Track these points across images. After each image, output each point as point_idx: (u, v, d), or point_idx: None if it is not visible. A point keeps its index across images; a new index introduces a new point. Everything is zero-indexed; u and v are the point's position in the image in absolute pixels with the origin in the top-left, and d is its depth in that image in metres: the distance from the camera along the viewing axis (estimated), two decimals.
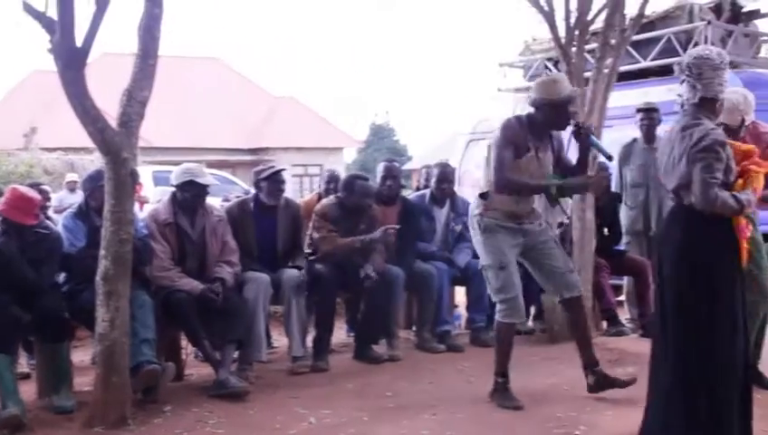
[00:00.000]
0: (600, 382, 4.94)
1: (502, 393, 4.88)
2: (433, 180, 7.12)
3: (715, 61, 3.83)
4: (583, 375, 5.02)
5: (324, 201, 6.44)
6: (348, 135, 36.09)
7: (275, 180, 6.08)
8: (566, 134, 5.18)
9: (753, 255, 4.03)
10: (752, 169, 3.87)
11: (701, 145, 3.69)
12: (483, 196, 4.93)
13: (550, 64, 10.20)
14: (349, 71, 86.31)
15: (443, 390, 5.34)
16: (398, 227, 6.23)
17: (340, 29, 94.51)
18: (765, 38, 10.08)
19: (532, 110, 4.89)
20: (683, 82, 3.87)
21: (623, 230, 7.31)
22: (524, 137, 4.78)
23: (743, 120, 4.86)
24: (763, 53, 10.05)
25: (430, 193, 7.09)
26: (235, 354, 5.51)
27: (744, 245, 3.87)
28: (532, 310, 7.15)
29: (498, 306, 4.92)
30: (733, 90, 4.92)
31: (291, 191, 11.29)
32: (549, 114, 4.79)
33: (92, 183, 5.27)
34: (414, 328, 6.91)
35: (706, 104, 3.84)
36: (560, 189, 4.77)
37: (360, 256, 6.16)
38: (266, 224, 6.06)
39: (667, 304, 3.90)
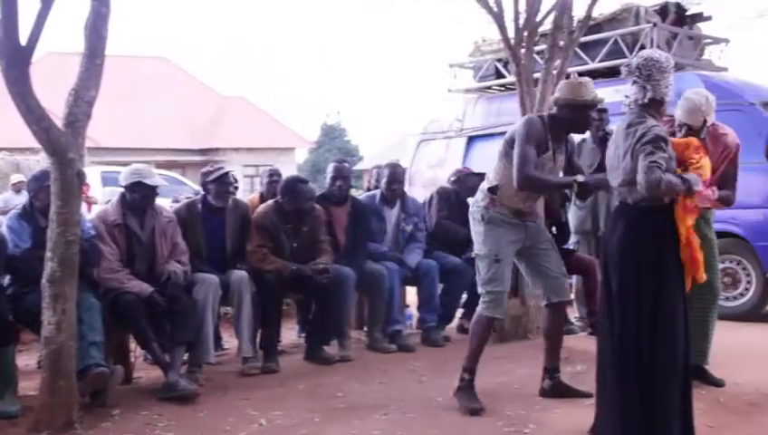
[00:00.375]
0: (556, 389, 4.98)
1: (466, 392, 4.83)
2: (383, 181, 7.13)
3: (663, 63, 3.96)
4: (534, 374, 5.07)
5: (262, 208, 6.29)
6: (299, 135, 35.99)
7: (223, 182, 6.03)
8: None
9: (705, 255, 4.10)
10: (692, 159, 3.97)
11: (644, 139, 3.79)
12: (492, 190, 4.86)
13: (499, 65, 10.29)
14: (300, 71, 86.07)
15: (394, 390, 5.34)
16: (326, 276, 6.09)
17: (291, 29, 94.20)
18: (708, 41, 10.26)
19: (554, 110, 4.88)
20: (634, 83, 3.97)
21: (572, 230, 7.39)
22: (545, 136, 4.75)
23: (704, 121, 4.95)
24: (705, 56, 10.24)
25: (381, 193, 7.10)
26: (185, 356, 5.45)
27: (690, 235, 3.93)
28: None
29: (483, 298, 4.85)
30: (695, 91, 5.04)
31: (242, 192, 11.24)
32: (571, 116, 4.76)
33: (37, 184, 5.17)
34: (365, 328, 6.93)
35: (654, 105, 3.96)
36: (580, 186, 4.69)
37: (311, 255, 6.14)
38: (215, 225, 6.01)
39: (612, 302, 3.96)
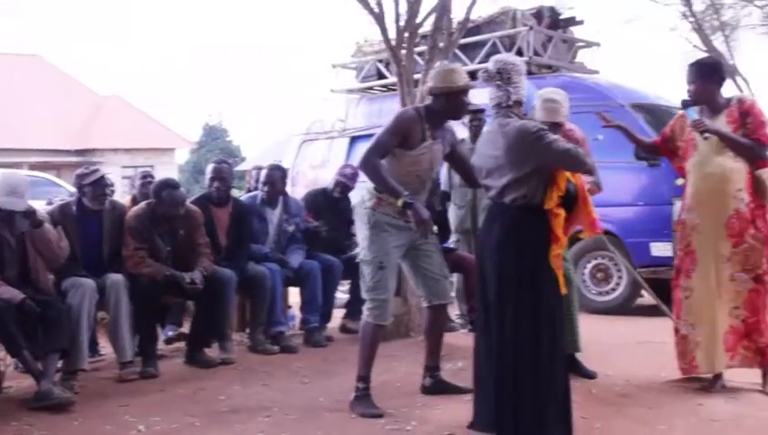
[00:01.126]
0: (437, 387, 5.04)
1: (362, 401, 4.75)
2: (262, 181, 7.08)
3: (519, 66, 4.17)
4: (416, 372, 5.12)
5: (134, 211, 6.10)
6: (179, 135, 35.34)
7: (99, 185, 5.86)
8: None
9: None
10: None
11: (530, 138, 3.93)
12: (376, 188, 4.79)
13: (381, 66, 10.37)
14: (181, 70, 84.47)
15: (277, 391, 5.31)
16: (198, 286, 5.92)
17: (171, 27, 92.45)
18: (581, 44, 10.60)
19: (428, 100, 4.87)
20: (497, 87, 4.10)
21: (452, 229, 7.50)
22: (421, 126, 4.72)
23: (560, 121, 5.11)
24: (578, 58, 10.58)
25: (262, 194, 7.05)
26: (60, 364, 5.27)
27: (565, 241, 4.09)
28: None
29: (368, 304, 4.80)
30: (552, 90, 5.20)
31: (120, 193, 10.96)
32: (446, 103, 4.75)
33: None
34: (247, 330, 6.85)
35: (516, 106, 4.13)
36: (404, 206, 4.62)
37: (190, 258, 6.04)
38: (91, 228, 5.83)
39: (489, 299, 4.06)
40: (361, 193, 4.95)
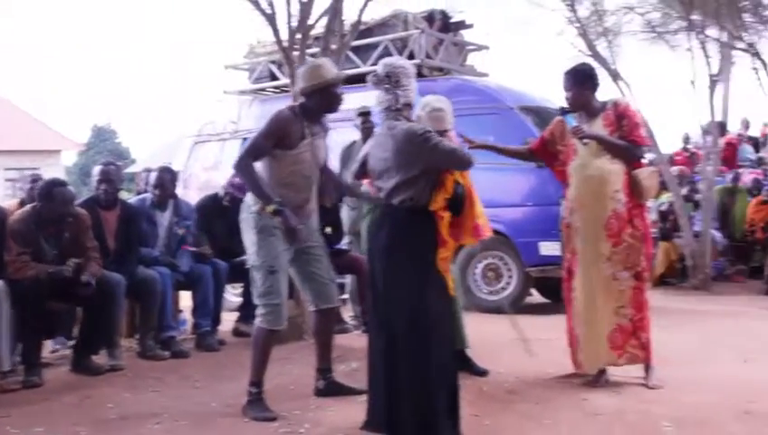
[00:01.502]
0: (330, 389, 5.04)
1: (256, 405, 4.69)
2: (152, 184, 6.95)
3: (408, 69, 4.22)
4: (310, 374, 5.12)
5: (17, 214, 5.91)
6: (66, 137, 34.42)
7: None
8: None
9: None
10: None
11: (417, 139, 3.98)
12: None
13: (274, 67, 10.31)
14: (68, 71, 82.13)
15: (168, 397, 5.23)
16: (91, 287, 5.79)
17: (57, 28, 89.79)
18: (471, 47, 10.78)
19: (302, 99, 4.82)
20: (386, 90, 4.15)
21: (345, 230, 7.54)
22: (299, 125, 4.69)
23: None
24: (469, 61, 10.75)
25: (151, 197, 6.92)
26: None
27: (452, 244, 4.16)
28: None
29: (260, 310, 4.74)
30: (437, 98, 5.26)
31: (2, 196, 10.63)
32: (320, 99, 4.74)
33: None
34: (137, 336, 6.72)
35: (405, 109, 4.19)
36: (275, 212, 4.59)
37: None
38: None
39: (380, 298, 4.10)
40: (246, 198, 4.86)
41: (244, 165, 4.65)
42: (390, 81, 4.17)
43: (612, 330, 5.09)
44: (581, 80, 5.22)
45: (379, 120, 4.57)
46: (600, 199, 5.11)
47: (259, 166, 4.76)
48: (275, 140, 4.65)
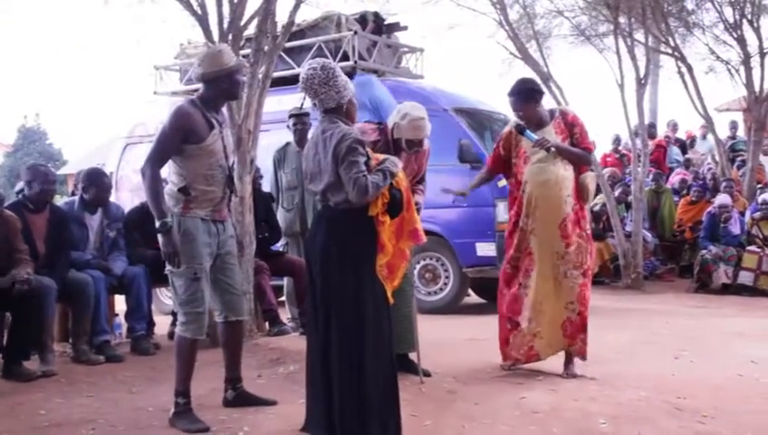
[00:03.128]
0: (240, 399, 4.86)
1: (183, 416, 4.51)
2: (83, 186, 6.78)
3: (322, 76, 4.12)
4: (249, 376, 5.06)
5: None
6: None
7: None
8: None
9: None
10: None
11: (342, 147, 3.96)
12: (183, 190, 4.50)
13: None
14: None
15: (103, 402, 5.13)
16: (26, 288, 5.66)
17: None
18: (405, 49, 10.82)
19: (200, 88, 4.67)
20: (312, 94, 4.17)
21: (281, 232, 7.51)
22: (202, 116, 4.52)
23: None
24: (403, 64, 10.78)
25: (80, 199, 6.77)
26: None
27: (391, 248, 4.17)
28: None
29: (182, 318, 4.56)
30: (415, 105, 5.30)
31: None
32: (222, 85, 4.58)
33: None
34: (71, 340, 6.59)
35: (335, 111, 4.16)
36: (160, 231, 4.41)
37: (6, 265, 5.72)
38: None
39: (317, 300, 4.09)
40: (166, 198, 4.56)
41: (147, 170, 4.43)
42: (308, 89, 4.14)
43: (563, 322, 5.41)
44: (530, 96, 5.48)
45: (313, 122, 4.56)
46: (556, 202, 5.38)
47: (167, 169, 4.58)
48: (182, 136, 4.46)
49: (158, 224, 4.38)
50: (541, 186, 5.37)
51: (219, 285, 4.70)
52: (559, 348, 5.47)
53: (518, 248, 5.48)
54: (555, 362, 5.50)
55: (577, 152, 5.45)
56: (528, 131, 5.41)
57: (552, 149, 5.33)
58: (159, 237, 4.45)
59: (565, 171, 5.40)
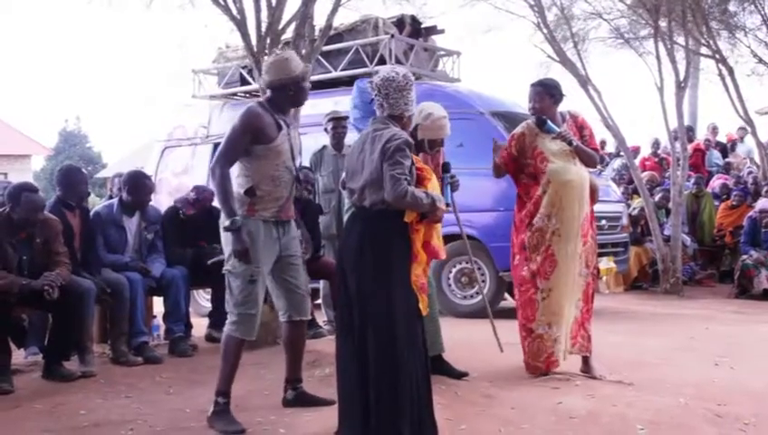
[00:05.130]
0: (300, 400, 4.90)
1: (222, 417, 4.53)
2: (125, 189, 6.84)
3: (401, 82, 4.18)
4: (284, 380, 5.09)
5: None
6: (35, 141, 34.04)
7: None
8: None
9: None
10: (423, 175, 4.19)
11: (391, 144, 3.97)
12: (249, 192, 4.57)
13: (244, 72, 10.29)
14: (36, 74, 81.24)
15: (141, 403, 5.18)
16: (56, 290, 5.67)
17: (23, 29, 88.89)
18: (442, 53, 10.81)
19: (268, 93, 4.73)
20: (379, 99, 4.19)
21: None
22: (272, 119, 4.59)
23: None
24: (440, 67, 10.77)
25: (119, 201, 6.84)
26: None
27: (425, 258, 4.15)
28: None
29: (233, 318, 4.59)
30: (434, 105, 5.32)
31: None
32: (288, 92, 4.65)
33: None
34: (109, 341, 6.66)
35: (395, 119, 4.19)
36: (230, 229, 4.45)
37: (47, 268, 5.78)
38: None
39: (351, 302, 4.09)
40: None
41: (216, 169, 4.52)
42: (380, 92, 4.20)
43: (572, 321, 5.47)
44: (552, 92, 5.53)
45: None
46: (580, 203, 5.43)
47: (236, 170, 4.65)
48: (251, 137, 4.55)
49: (228, 222, 4.45)
50: (566, 185, 5.39)
51: (284, 285, 4.79)
52: (566, 351, 5.48)
53: (536, 250, 5.47)
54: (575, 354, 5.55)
55: (591, 152, 5.54)
56: (550, 123, 5.43)
57: (575, 141, 5.40)
58: (228, 235, 4.51)
59: (585, 172, 5.51)
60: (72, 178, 6.55)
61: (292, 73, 4.65)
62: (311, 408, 4.83)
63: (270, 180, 4.60)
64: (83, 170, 6.84)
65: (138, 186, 6.75)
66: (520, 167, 5.61)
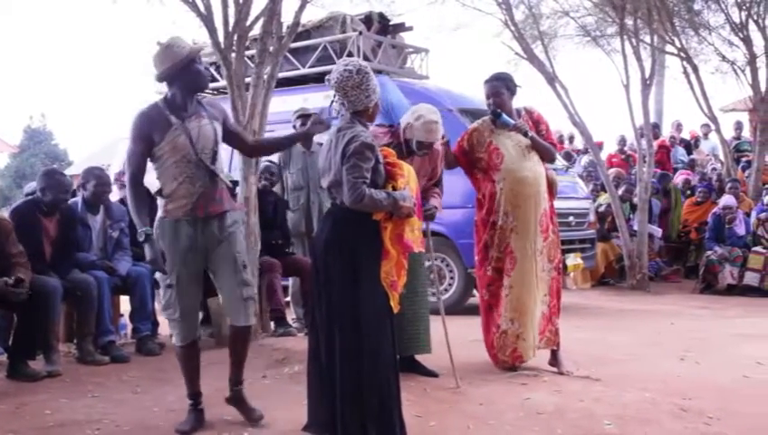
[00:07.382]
0: (234, 401, 4.69)
1: (187, 416, 4.54)
2: (90, 186, 6.76)
3: (356, 79, 4.09)
4: (253, 377, 5.05)
5: None
6: None
7: None
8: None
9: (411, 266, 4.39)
10: (394, 171, 4.17)
11: (350, 147, 3.95)
12: (157, 193, 4.42)
13: (211, 69, 10.22)
14: None
15: (108, 402, 5.14)
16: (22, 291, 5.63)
17: None
18: (410, 50, 10.82)
19: (165, 87, 4.51)
20: (339, 96, 4.14)
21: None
22: (158, 116, 4.35)
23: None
24: (408, 64, 10.78)
25: (82, 200, 6.78)
26: None
27: (395, 255, 4.12)
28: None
29: (168, 324, 4.58)
30: (428, 108, 5.31)
31: None
32: (182, 80, 4.40)
33: None
34: (75, 341, 6.60)
35: (359, 114, 4.15)
36: (143, 241, 4.29)
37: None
38: None
39: (320, 298, 4.09)
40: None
41: (127, 182, 4.39)
42: (338, 89, 4.12)
43: (539, 317, 5.51)
44: (508, 85, 5.57)
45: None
46: (536, 198, 5.48)
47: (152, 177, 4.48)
48: (146, 142, 4.35)
49: (139, 233, 4.30)
50: (520, 182, 5.45)
51: (220, 287, 4.56)
52: (534, 347, 5.52)
53: (498, 248, 5.52)
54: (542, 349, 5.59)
55: (547, 145, 5.59)
56: (505, 115, 5.46)
57: (530, 133, 5.45)
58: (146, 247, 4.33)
59: (540, 167, 5.55)
60: (54, 181, 6.33)
61: (177, 58, 4.37)
62: (283, 403, 4.80)
63: (172, 179, 4.37)
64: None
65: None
66: (472, 161, 5.66)
